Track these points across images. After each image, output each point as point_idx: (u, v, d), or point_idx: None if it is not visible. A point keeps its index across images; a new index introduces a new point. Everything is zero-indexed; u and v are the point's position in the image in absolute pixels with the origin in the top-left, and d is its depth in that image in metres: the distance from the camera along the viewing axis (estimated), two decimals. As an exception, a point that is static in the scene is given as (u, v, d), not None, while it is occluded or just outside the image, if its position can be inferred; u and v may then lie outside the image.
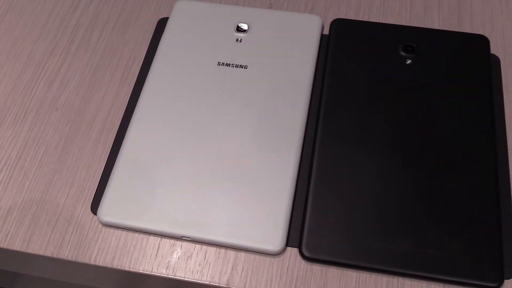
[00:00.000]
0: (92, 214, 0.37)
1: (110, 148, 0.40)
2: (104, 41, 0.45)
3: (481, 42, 0.43)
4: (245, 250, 0.35)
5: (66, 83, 0.43)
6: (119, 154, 0.38)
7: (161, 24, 0.46)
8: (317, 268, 0.35)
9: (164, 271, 0.35)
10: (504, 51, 0.44)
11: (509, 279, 0.34)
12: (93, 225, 0.37)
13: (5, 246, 0.36)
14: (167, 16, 0.46)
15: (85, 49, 0.45)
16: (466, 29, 0.45)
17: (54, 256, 0.36)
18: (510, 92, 0.42)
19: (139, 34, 0.46)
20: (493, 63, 0.43)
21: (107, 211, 0.36)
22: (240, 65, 0.42)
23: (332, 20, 0.45)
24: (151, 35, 0.45)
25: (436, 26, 0.46)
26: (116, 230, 0.36)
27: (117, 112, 0.41)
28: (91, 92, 0.42)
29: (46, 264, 0.38)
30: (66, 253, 0.36)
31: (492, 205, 0.36)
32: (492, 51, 0.44)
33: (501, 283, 0.33)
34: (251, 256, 0.35)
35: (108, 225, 0.36)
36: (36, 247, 0.36)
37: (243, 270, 0.35)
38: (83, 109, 0.42)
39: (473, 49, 0.43)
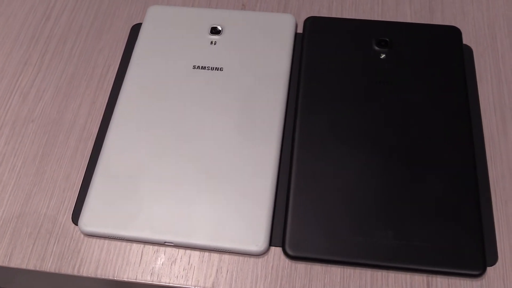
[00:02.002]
0: (73, 225, 0.37)
1: (88, 157, 0.39)
2: (78, 50, 0.45)
3: (453, 33, 0.44)
4: (229, 252, 0.35)
5: (41, 94, 0.43)
6: (97, 163, 0.38)
7: (135, 30, 0.46)
8: (301, 266, 0.35)
9: (148, 278, 0.35)
10: (476, 41, 0.45)
11: (491, 266, 0.35)
12: (75, 235, 0.36)
13: (-14, 262, 0.36)
14: (141, 22, 0.46)
15: (59, 59, 0.45)
16: (438, 21, 0.46)
17: (37, 268, 0.35)
18: (484, 81, 0.42)
19: (113, 42, 0.45)
20: (466, 53, 0.43)
21: (88, 221, 0.36)
22: (216, 68, 0.42)
23: (305, 18, 0.45)
24: (125, 41, 0.45)
25: (408, 19, 0.46)
26: (98, 240, 0.36)
27: (94, 121, 0.41)
28: (67, 101, 0.42)
29: (30, 278, 0.37)
30: (49, 265, 0.35)
31: (471, 193, 0.36)
32: (464, 42, 0.44)
33: (484, 270, 0.34)
34: (235, 258, 0.35)
35: (90, 235, 0.36)
36: (19, 261, 0.36)
37: (227, 272, 0.35)
38: (60, 120, 0.41)
39: (445, 41, 0.43)
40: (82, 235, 0.36)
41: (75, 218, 0.37)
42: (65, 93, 0.43)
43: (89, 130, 0.41)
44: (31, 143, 0.40)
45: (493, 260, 0.35)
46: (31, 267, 0.35)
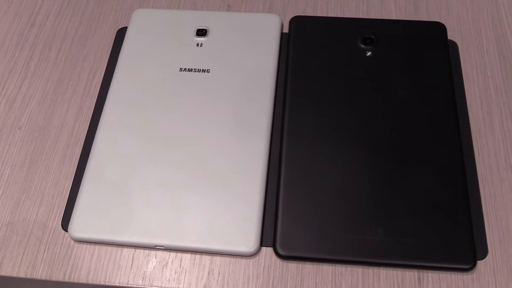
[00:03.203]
0: (63, 231, 0.37)
1: (77, 163, 0.39)
2: (63, 56, 0.45)
3: (438, 29, 0.44)
4: (220, 253, 0.35)
5: (27, 101, 0.42)
6: (86, 168, 0.38)
7: (120, 34, 0.46)
8: (293, 265, 0.35)
9: (140, 282, 0.35)
10: (461, 36, 0.45)
11: (481, 259, 0.35)
12: (65, 242, 0.36)
13: (-24, 271, 0.35)
14: (126, 26, 0.46)
15: (45, 65, 0.44)
16: (423, 17, 0.46)
17: (28, 276, 0.35)
18: (470, 76, 0.43)
19: (98, 46, 0.45)
20: (451, 49, 0.44)
21: (78, 227, 0.36)
22: (202, 70, 0.42)
23: (290, 17, 0.45)
24: (111, 46, 0.45)
25: (393, 16, 0.46)
26: (88, 245, 0.36)
27: (82, 126, 0.41)
28: (54, 108, 0.42)
29: (22, 285, 0.37)
30: (40, 273, 0.35)
31: (460, 188, 0.36)
32: (449, 37, 0.44)
33: (474, 264, 0.34)
34: (227, 259, 0.35)
35: (80, 241, 0.36)
36: (9, 269, 0.35)
37: (219, 274, 0.35)
38: (47, 126, 0.41)
39: (430, 36, 0.43)
40: (72, 241, 0.36)
41: (65, 224, 0.37)
42: (52, 99, 0.42)
43: (76, 136, 0.41)
44: (18, 151, 0.40)
45: (483, 253, 0.35)
46: (21, 275, 0.35)
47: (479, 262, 0.35)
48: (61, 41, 0.46)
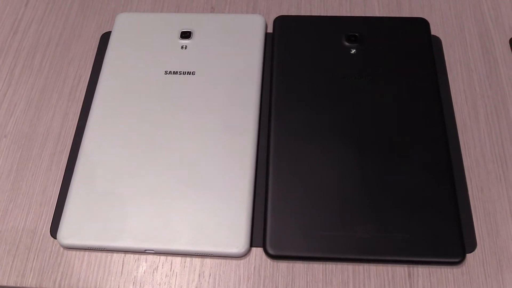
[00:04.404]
0: (52, 238, 0.36)
1: (64, 170, 0.39)
2: (47, 62, 0.45)
3: (421, 24, 0.44)
4: (210, 256, 0.35)
5: (12, 109, 0.42)
6: (73, 174, 0.38)
7: (104, 39, 0.45)
8: (283, 265, 0.35)
9: (131, 287, 0.35)
10: (444, 31, 0.45)
11: (470, 252, 0.35)
12: (55, 249, 0.36)
13: (-35, 282, 0.35)
14: (110, 31, 0.46)
15: (29, 72, 0.44)
16: (406, 13, 0.46)
17: (18, 285, 0.35)
18: (454, 71, 0.43)
19: (83, 51, 0.45)
20: (435, 44, 0.44)
21: (67, 233, 0.35)
22: (188, 72, 0.42)
23: (274, 17, 0.45)
24: (95, 51, 0.45)
25: (376, 13, 0.46)
26: (78, 252, 0.36)
27: (68, 132, 0.41)
28: (39, 114, 0.42)
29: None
30: (30, 281, 0.35)
31: (447, 182, 0.36)
32: (432, 33, 0.45)
33: (464, 257, 0.34)
34: (217, 261, 0.35)
35: (69, 248, 0.36)
36: (-2, 279, 0.35)
37: (210, 276, 0.35)
38: (33, 133, 0.41)
39: (414, 32, 0.43)
40: (61, 248, 0.36)
41: (54, 231, 0.36)
42: (37, 106, 0.42)
43: (63, 142, 0.40)
44: (5, 159, 0.40)
45: (472, 246, 0.35)
46: (11, 283, 0.35)
47: (468, 255, 0.35)
48: (45, 47, 0.46)
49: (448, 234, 0.35)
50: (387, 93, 0.40)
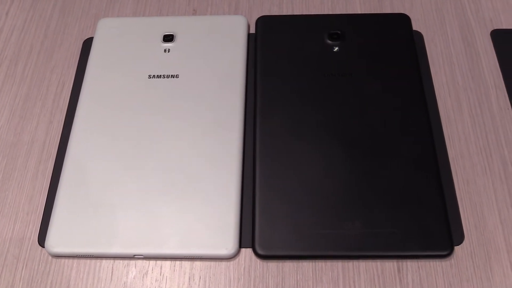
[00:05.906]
0: (40, 247, 0.36)
1: (50, 177, 0.39)
2: (30, 70, 0.44)
3: (402, 20, 0.44)
4: (200, 258, 0.35)
5: (-4, 118, 0.42)
6: (59, 182, 0.37)
7: (87, 45, 0.45)
8: (273, 264, 0.35)
9: (121, 293, 0.34)
10: (425, 26, 0.45)
11: (458, 245, 0.35)
12: (43, 258, 0.36)
13: (-47, 294, 0.35)
14: (92, 36, 0.46)
15: (12, 81, 0.44)
16: (387, 9, 0.46)
17: (7, 295, 0.35)
18: (436, 65, 0.43)
19: (65, 58, 0.45)
20: (417, 39, 0.44)
21: (55, 242, 0.35)
22: (171, 75, 0.42)
23: (256, 18, 0.46)
24: (78, 57, 0.45)
25: (358, 10, 0.46)
26: (67, 260, 0.36)
27: (53, 140, 0.41)
28: (23, 123, 0.42)
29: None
30: (19, 291, 0.35)
31: (433, 176, 0.37)
32: (414, 28, 0.45)
33: (452, 250, 0.34)
34: (207, 264, 0.35)
35: (58, 256, 0.36)
36: (-13, 290, 0.35)
37: (200, 278, 0.35)
38: (17, 142, 0.41)
39: (396, 28, 0.44)
40: (50, 257, 0.36)
41: (42, 240, 0.36)
42: (21, 115, 0.42)
43: (48, 150, 0.40)
44: (-10, 169, 0.40)
45: (460, 239, 0.35)
46: (0, 294, 0.35)
47: (456, 248, 0.35)
48: (27, 55, 0.45)
49: (435, 228, 0.35)
50: (371, 89, 0.40)
